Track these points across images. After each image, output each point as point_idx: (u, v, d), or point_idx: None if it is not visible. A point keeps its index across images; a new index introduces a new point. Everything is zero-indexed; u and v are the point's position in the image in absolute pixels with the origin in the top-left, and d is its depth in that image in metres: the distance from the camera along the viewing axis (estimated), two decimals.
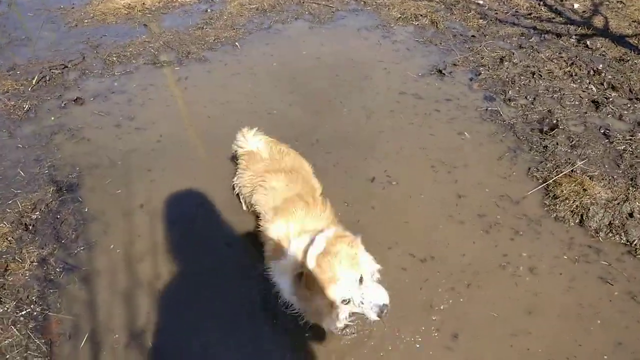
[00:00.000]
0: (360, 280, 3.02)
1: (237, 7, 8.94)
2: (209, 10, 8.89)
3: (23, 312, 4.08)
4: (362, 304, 3.02)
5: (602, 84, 6.52)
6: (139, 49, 7.70)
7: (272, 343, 3.87)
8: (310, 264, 3.04)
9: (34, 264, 4.45)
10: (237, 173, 4.65)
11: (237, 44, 7.85)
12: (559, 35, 7.57)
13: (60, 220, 4.85)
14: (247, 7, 8.91)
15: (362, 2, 8.93)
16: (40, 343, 3.89)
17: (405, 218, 4.85)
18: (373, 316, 3.03)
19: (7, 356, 3.79)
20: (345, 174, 5.33)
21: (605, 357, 3.72)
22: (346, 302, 3.04)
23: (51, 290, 4.27)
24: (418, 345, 3.83)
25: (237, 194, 4.78)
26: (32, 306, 4.13)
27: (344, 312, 3.22)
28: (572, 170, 5.17)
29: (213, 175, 5.31)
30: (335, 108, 6.32)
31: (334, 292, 3.00)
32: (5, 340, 3.89)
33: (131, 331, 3.97)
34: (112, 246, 4.65)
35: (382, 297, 3.03)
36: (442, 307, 4.08)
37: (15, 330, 3.96)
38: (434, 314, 4.03)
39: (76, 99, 6.57)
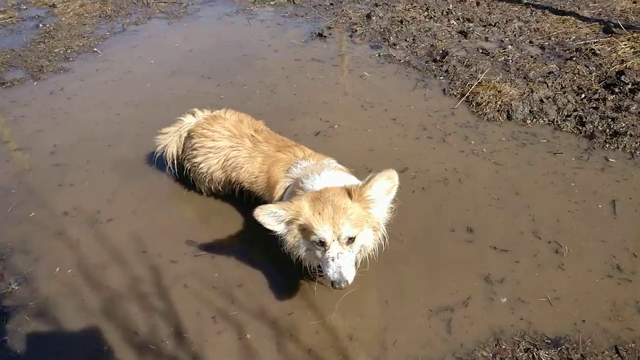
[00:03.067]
0: (349, 241, 3.08)
1: (74, 17, 8.09)
2: (40, 26, 7.84)
3: None
4: (328, 261, 3.05)
5: (459, 19, 7.42)
6: None
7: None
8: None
9: None
10: (193, 155, 4.24)
11: (96, 49, 7.09)
12: None
13: None
14: (86, 16, 8.12)
15: None
16: None
17: (367, 147, 4.93)
18: (329, 277, 3.05)
19: None
20: (294, 137, 5.18)
21: (600, 206, 4.23)
22: (318, 244, 3.08)
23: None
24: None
25: (197, 178, 4.39)
26: None
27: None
28: (479, 82, 5.76)
29: (134, 171, 4.88)
30: (242, 89, 6.08)
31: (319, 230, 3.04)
32: None
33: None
34: (58, 269, 3.85)
35: (345, 273, 3.02)
36: (441, 206, 4.23)
37: None
38: (442, 214, 4.17)
39: None
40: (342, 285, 3.01)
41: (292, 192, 3.55)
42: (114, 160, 5.01)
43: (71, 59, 6.91)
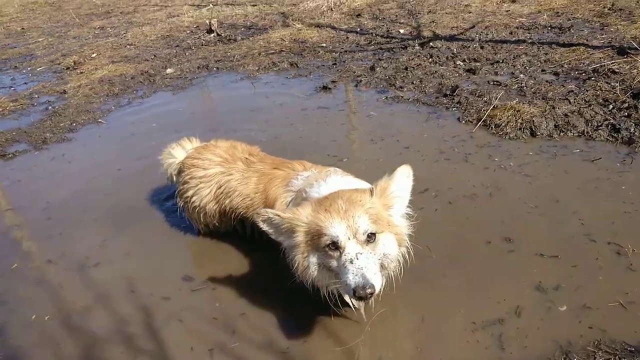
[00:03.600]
0: (369, 239, 2.53)
1: (82, 98, 8.12)
2: (49, 108, 7.86)
3: None
4: (345, 265, 2.45)
5: (465, 61, 7.24)
6: None
7: None
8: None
9: None
10: (184, 190, 3.84)
11: (100, 120, 7.00)
12: (404, 47, 8.34)
13: None
14: (94, 97, 8.15)
15: (214, 69, 8.81)
16: None
17: (380, 173, 4.47)
18: (350, 284, 2.39)
19: None
20: None
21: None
22: (331, 249, 2.51)
23: None
24: None
25: (192, 215, 3.93)
26: None
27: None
28: (494, 106, 5.40)
29: (130, 216, 4.50)
30: (248, 134, 5.81)
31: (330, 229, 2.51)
32: None
33: None
34: (34, 317, 3.35)
35: (368, 276, 2.40)
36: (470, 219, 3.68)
37: None
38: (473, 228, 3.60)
39: None
40: (368, 291, 2.32)
41: (296, 205, 3.05)
42: (109, 208, 4.64)
43: (75, 130, 6.80)
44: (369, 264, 2.46)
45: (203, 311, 3.16)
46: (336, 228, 2.49)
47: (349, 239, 2.49)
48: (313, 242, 2.59)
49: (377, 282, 2.44)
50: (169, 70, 9.03)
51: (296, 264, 2.68)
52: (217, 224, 3.83)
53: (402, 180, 2.75)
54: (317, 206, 2.64)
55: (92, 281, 3.61)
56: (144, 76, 8.87)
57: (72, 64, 10.26)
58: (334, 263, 2.54)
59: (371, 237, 2.53)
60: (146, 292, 3.42)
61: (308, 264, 2.65)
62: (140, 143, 6.05)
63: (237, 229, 3.86)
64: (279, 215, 2.62)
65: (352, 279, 2.38)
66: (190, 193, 3.78)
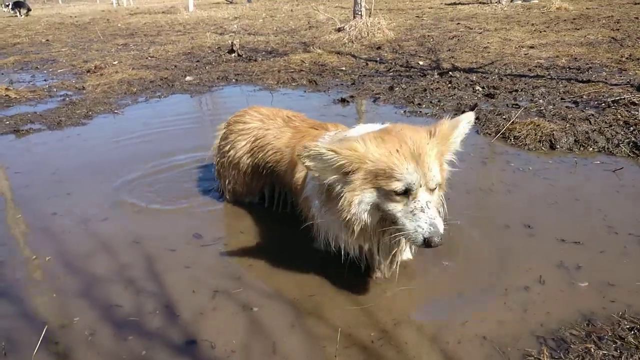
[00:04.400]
0: (434, 189, 2.41)
1: (100, 93, 8.20)
2: (66, 99, 7.91)
3: None
4: (416, 213, 2.32)
5: (484, 88, 7.30)
6: None
7: None
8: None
9: None
10: (223, 145, 3.84)
11: (116, 111, 7.05)
12: (423, 75, 8.45)
13: None
14: (112, 93, 8.23)
15: (233, 80, 8.92)
16: None
17: None
18: (422, 232, 2.29)
19: None
20: None
21: None
22: (399, 194, 2.33)
23: None
24: None
25: (224, 173, 3.88)
26: None
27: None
28: (513, 122, 5.38)
29: (147, 183, 4.45)
30: None
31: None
32: None
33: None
34: (34, 257, 3.26)
35: (439, 226, 2.31)
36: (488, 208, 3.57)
37: None
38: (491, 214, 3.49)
39: None
40: (440, 240, 2.24)
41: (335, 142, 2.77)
42: (122, 175, 4.57)
43: (91, 117, 6.82)
44: (436, 213, 2.36)
45: (210, 262, 3.03)
46: (413, 175, 2.31)
47: (421, 186, 2.35)
48: (376, 182, 2.37)
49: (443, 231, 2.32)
50: (188, 78, 9.15)
51: (344, 204, 2.44)
52: (247, 183, 3.74)
53: (464, 127, 2.61)
54: (381, 143, 2.39)
55: (98, 233, 3.50)
56: (163, 81, 8.99)
57: (93, 67, 10.43)
58: (395, 208, 2.36)
59: (435, 188, 2.42)
60: (152, 244, 3.30)
61: (360, 203, 2.42)
62: (157, 126, 6.06)
63: (262, 198, 3.78)
64: (334, 151, 2.35)
65: (427, 228, 2.28)
66: (227, 147, 3.76)
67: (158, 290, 2.76)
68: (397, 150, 2.34)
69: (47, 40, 16.60)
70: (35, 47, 15.07)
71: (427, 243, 2.26)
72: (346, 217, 2.44)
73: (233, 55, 11.29)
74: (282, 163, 3.33)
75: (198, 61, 10.93)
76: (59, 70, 10.76)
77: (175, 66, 10.33)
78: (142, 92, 8.27)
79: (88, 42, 15.55)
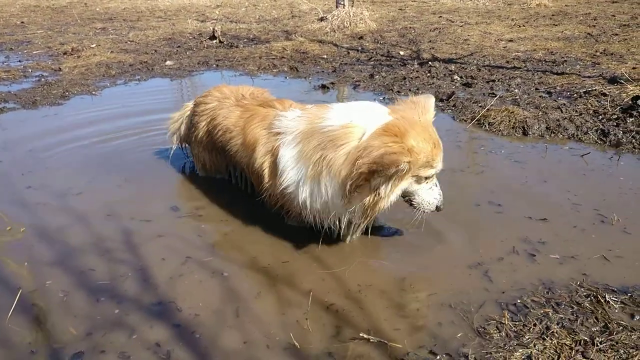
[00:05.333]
0: None
1: (77, 75, 8.11)
2: (42, 80, 7.81)
3: None
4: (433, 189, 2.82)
5: (462, 77, 7.42)
6: None
7: None
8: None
9: None
10: (191, 125, 3.87)
11: (94, 92, 6.99)
12: (403, 64, 8.55)
13: None
14: (89, 75, 8.14)
15: (214, 65, 8.90)
16: None
17: None
18: (436, 202, 2.81)
19: None
20: None
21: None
22: (425, 179, 2.75)
23: None
24: None
25: (193, 150, 3.92)
26: None
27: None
28: (488, 109, 5.51)
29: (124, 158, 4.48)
30: None
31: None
32: None
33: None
34: (9, 228, 3.21)
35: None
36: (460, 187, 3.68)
37: None
38: (461, 192, 3.59)
39: None
40: (442, 206, 2.83)
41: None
42: (100, 152, 4.56)
43: (67, 97, 6.76)
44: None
45: (184, 232, 3.07)
46: (441, 163, 2.74)
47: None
48: (417, 171, 2.65)
49: None
50: (168, 63, 9.10)
51: (385, 192, 2.58)
52: (213, 160, 3.83)
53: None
54: (422, 138, 2.61)
55: (72, 205, 3.51)
56: (143, 65, 8.92)
57: (70, 50, 10.25)
58: (421, 188, 2.76)
59: None
60: (127, 216, 3.32)
61: (398, 191, 2.67)
62: (135, 108, 6.04)
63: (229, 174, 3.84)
64: (408, 162, 2.47)
65: (439, 198, 2.82)
66: (193, 127, 3.85)
67: (130, 257, 2.80)
68: (435, 145, 2.67)
69: (22, 22, 16.25)
70: (10, 28, 14.76)
71: (438, 209, 2.81)
72: (383, 205, 2.62)
73: (214, 41, 11.23)
74: (233, 143, 3.33)
75: (179, 47, 10.85)
76: (34, 52, 10.57)
77: (156, 51, 10.25)
78: (121, 75, 8.20)
79: (65, 25, 15.26)
